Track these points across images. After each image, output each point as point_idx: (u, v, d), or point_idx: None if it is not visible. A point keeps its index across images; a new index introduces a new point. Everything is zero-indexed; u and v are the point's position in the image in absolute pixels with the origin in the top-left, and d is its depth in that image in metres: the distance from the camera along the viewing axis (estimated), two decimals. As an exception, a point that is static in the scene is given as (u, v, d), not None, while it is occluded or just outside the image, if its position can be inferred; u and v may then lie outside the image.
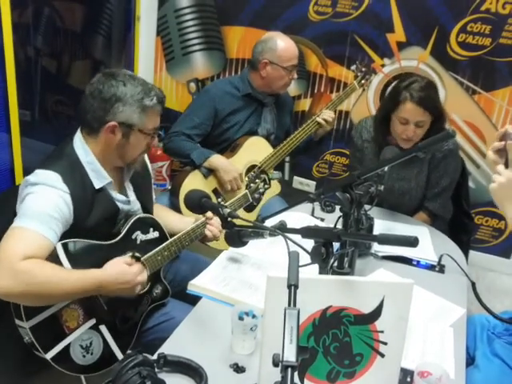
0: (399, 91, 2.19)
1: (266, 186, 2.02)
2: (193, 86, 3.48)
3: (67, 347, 1.49)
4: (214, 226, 1.78)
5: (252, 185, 2.00)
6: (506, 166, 1.47)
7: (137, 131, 1.61)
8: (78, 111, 1.65)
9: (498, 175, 1.44)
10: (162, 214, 1.92)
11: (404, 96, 2.16)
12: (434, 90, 2.24)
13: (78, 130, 1.65)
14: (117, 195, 1.69)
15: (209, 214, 1.77)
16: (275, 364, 0.88)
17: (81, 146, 1.61)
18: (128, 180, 1.76)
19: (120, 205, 1.69)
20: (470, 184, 2.98)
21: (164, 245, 1.70)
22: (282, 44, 2.55)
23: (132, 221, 1.68)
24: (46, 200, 1.47)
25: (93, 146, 1.62)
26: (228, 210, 1.52)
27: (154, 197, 1.93)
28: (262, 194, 2.02)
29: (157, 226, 1.76)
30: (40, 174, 1.51)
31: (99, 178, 1.62)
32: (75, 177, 1.56)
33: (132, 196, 1.76)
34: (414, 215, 2.43)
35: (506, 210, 1.43)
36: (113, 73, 1.60)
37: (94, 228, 1.58)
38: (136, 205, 1.77)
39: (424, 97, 2.14)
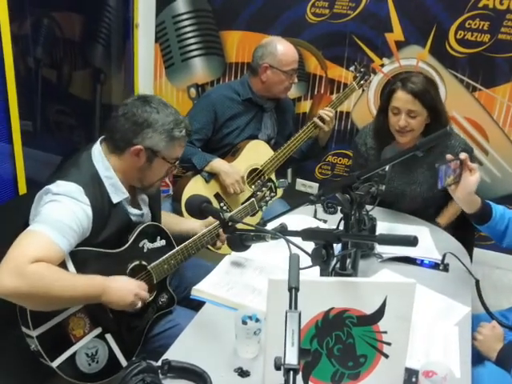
0: (394, 82, 2.23)
1: (273, 194, 2.02)
2: (193, 91, 3.48)
3: (73, 355, 1.50)
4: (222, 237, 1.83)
5: (259, 193, 1.99)
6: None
7: (160, 158, 1.64)
8: (106, 127, 1.66)
9: (479, 335, 1.65)
10: (170, 218, 1.96)
11: (396, 85, 2.19)
12: (432, 86, 2.24)
13: (98, 143, 1.66)
14: (132, 209, 1.71)
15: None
16: (277, 367, 0.88)
17: (100, 160, 1.63)
18: (142, 194, 1.78)
19: (133, 218, 1.71)
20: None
21: (170, 253, 1.71)
22: (282, 48, 2.55)
23: (139, 229, 1.68)
24: (67, 211, 1.48)
25: (114, 162, 1.64)
26: (229, 215, 1.52)
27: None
28: (268, 202, 2.02)
29: (164, 234, 1.77)
30: (62, 185, 1.52)
31: (117, 192, 1.64)
32: (95, 190, 1.58)
33: (146, 209, 1.79)
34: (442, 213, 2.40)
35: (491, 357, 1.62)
36: (148, 98, 1.63)
37: (105, 240, 1.59)
38: (148, 217, 1.80)
39: (417, 88, 2.15)
